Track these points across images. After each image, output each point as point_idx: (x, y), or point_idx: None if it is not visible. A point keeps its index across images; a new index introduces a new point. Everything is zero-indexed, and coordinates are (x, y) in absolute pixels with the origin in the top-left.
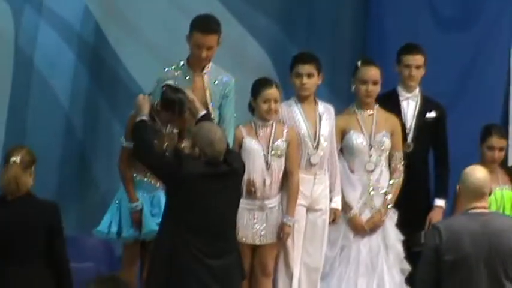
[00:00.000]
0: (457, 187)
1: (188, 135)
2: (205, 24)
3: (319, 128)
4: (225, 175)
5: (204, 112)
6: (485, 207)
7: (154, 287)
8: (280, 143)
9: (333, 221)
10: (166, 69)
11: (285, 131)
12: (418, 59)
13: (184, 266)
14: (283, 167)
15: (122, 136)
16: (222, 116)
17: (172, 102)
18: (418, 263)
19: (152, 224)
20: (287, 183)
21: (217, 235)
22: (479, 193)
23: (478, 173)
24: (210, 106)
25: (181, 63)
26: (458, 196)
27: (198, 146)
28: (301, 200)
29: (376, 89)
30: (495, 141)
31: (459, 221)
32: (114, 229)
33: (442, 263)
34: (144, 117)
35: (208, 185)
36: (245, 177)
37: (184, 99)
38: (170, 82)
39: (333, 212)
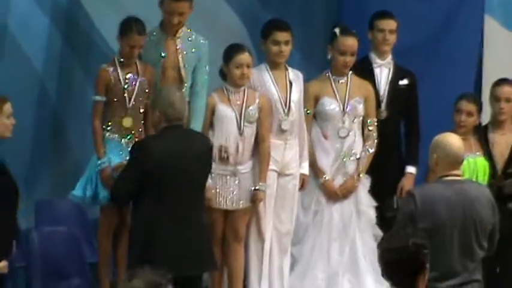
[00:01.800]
0: (434, 156)
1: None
2: None
3: (290, 94)
4: (190, 151)
5: None
6: (459, 175)
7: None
8: (253, 110)
9: (301, 187)
10: None
11: (257, 97)
12: (391, 24)
13: (158, 245)
14: (255, 133)
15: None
16: (194, 80)
17: None
18: (391, 228)
19: None
20: (258, 149)
21: (188, 208)
22: (457, 161)
23: (453, 141)
24: (182, 70)
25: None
26: (433, 165)
27: (158, 108)
28: (272, 166)
29: (353, 60)
30: (463, 104)
31: (434, 188)
32: (89, 193)
33: (415, 229)
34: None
35: (178, 160)
36: (218, 143)
37: None
38: None
39: (302, 177)
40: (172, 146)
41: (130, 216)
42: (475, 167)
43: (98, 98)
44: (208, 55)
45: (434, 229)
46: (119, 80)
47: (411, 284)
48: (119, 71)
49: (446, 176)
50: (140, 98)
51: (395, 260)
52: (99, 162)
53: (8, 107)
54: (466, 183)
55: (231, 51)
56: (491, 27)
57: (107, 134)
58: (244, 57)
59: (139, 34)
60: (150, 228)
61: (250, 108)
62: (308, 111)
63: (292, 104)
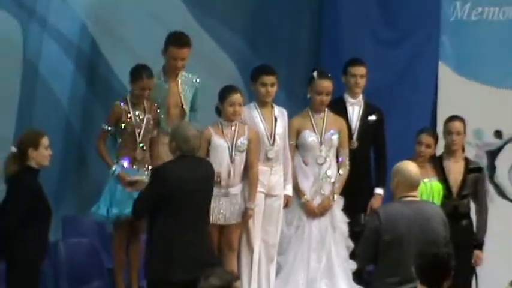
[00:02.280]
0: (395, 180)
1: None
2: (179, 40)
3: (275, 128)
4: (198, 170)
5: None
6: (416, 196)
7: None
8: (243, 141)
9: (285, 206)
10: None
11: (247, 130)
12: (362, 70)
13: (174, 254)
14: (244, 160)
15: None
16: (193, 106)
17: None
18: (359, 241)
19: None
20: (248, 174)
21: (196, 223)
22: (414, 184)
23: (411, 167)
24: (184, 106)
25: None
26: (394, 187)
27: (176, 141)
28: (260, 188)
29: (328, 99)
30: (423, 137)
31: (395, 207)
32: (111, 212)
33: (380, 242)
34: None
35: (185, 182)
36: None
37: None
38: None
39: (286, 198)
40: (184, 172)
41: (147, 229)
42: (431, 189)
43: (106, 127)
44: (200, 88)
45: (396, 242)
46: (130, 117)
47: (438, 284)
48: (130, 109)
49: (406, 196)
50: (147, 132)
51: (429, 265)
52: (112, 169)
53: (45, 140)
54: (422, 203)
55: (225, 92)
56: (445, 72)
57: (121, 162)
58: (237, 97)
59: (148, 78)
60: (165, 241)
61: (241, 139)
62: (291, 142)
63: (277, 137)
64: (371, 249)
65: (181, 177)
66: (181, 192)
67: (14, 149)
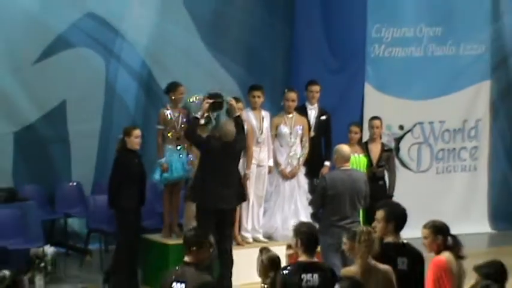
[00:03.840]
0: (335, 156)
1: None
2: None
3: (262, 123)
4: (231, 148)
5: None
6: (349, 165)
7: (194, 199)
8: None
9: (269, 172)
10: (191, 99)
11: (246, 125)
12: (316, 88)
13: (208, 191)
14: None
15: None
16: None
17: None
18: (314, 195)
19: (179, 172)
20: (246, 153)
21: (225, 176)
22: (347, 158)
23: (344, 148)
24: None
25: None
26: (335, 160)
27: (217, 131)
28: (253, 161)
29: (294, 104)
30: (353, 127)
31: (336, 173)
32: (157, 176)
33: (326, 196)
34: (198, 116)
35: (220, 152)
36: None
37: None
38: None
39: (269, 167)
40: (219, 146)
41: (197, 166)
42: (359, 161)
43: (159, 126)
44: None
45: (336, 195)
46: (172, 117)
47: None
48: (171, 112)
49: (342, 166)
50: (182, 126)
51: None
52: (159, 161)
53: (136, 132)
54: (352, 170)
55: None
56: (369, 89)
57: (169, 145)
58: (239, 105)
59: (182, 86)
60: (203, 178)
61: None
62: (273, 133)
63: (264, 129)
64: (321, 200)
65: (216, 149)
66: (215, 153)
67: (120, 135)
